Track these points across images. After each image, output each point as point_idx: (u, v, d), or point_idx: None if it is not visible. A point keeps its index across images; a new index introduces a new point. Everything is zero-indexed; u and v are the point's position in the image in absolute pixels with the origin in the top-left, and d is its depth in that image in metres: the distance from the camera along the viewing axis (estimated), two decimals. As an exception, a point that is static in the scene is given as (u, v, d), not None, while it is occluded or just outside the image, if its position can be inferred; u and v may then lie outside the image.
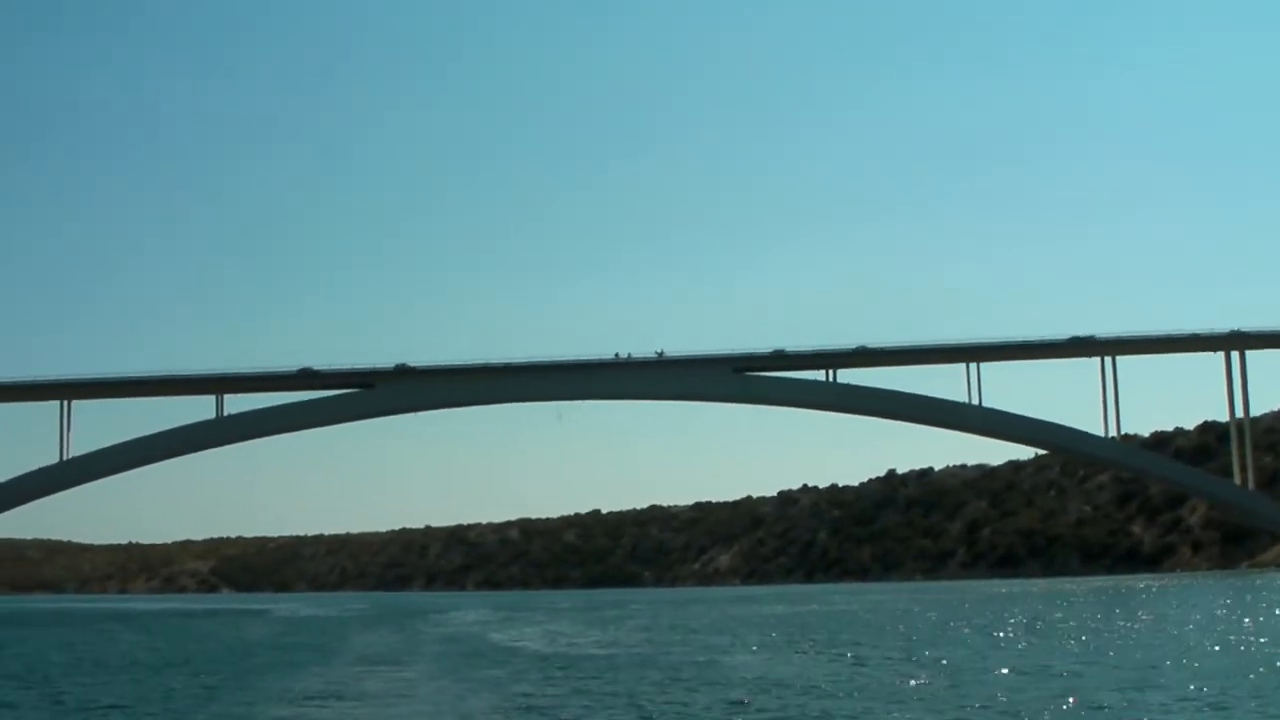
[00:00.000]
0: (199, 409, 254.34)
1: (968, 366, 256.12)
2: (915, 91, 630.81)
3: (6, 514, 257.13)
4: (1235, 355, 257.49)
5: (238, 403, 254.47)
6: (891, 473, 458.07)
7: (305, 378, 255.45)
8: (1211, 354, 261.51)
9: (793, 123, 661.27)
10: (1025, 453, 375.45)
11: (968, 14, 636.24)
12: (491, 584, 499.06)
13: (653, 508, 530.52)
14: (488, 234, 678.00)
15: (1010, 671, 66.44)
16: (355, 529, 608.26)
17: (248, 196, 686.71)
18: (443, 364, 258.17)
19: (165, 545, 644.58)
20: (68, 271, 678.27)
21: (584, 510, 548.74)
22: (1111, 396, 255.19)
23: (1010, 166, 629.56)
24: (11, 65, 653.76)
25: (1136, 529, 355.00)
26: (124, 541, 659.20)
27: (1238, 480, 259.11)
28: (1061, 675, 63.90)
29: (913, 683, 62.53)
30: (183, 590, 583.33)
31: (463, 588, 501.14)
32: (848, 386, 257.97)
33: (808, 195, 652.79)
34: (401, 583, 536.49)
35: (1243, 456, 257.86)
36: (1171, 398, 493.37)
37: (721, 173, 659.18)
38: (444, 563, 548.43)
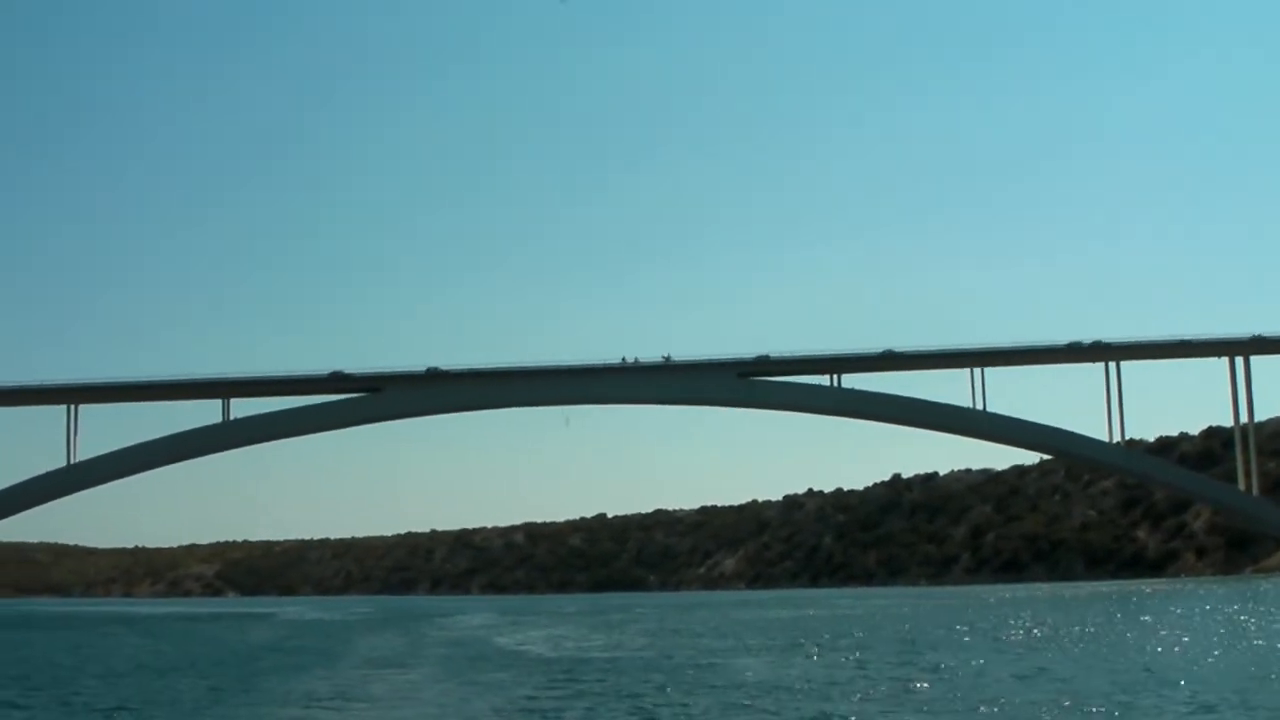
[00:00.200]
0: (205, 413, 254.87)
1: (972, 371, 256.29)
2: (920, 99, 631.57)
3: (13, 518, 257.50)
4: (1240, 361, 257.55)
5: (244, 407, 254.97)
6: (896, 477, 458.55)
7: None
8: (1216, 359, 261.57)
9: (797, 130, 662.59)
10: (1030, 457, 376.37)
11: (975, 22, 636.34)
12: (497, 588, 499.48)
13: (658, 512, 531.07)
14: (495, 239, 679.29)
15: (1008, 676, 66.93)
16: (360, 533, 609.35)
17: (255, 201, 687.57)
18: (450, 368, 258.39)
19: (170, 549, 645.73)
20: (74, 276, 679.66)
21: (589, 514, 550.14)
22: (1116, 402, 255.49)
23: (1015, 172, 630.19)
24: (20, 69, 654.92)
25: (1141, 534, 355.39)
26: (129, 545, 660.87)
27: (1242, 486, 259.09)
28: (1059, 679, 64.39)
29: (910, 686, 63.07)
30: (188, 594, 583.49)
31: (468, 592, 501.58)
32: (852, 391, 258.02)
33: (813, 202, 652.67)
34: (407, 586, 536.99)
35: (1247, 462, 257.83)
36: (1176, 403, 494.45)
37: (727, 180, 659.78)
38: (449, 567, 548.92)
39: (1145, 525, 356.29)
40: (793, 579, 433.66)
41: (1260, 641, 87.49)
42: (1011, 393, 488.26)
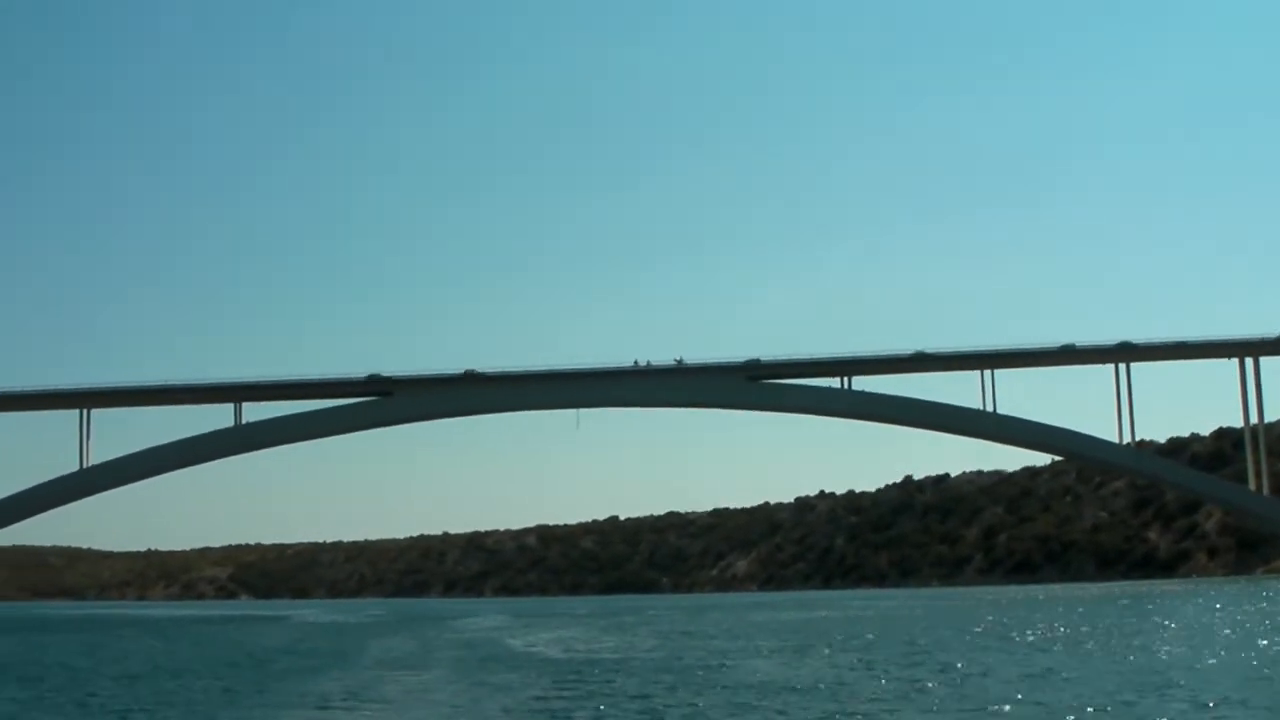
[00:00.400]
0: (217, 417, 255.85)
1: (982, 373, 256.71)
2: (929, 99, 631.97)
3: (27, 521, 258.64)
4: (1250, 362, 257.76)
5: (256, 411, 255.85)
6: (908, 479, 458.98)
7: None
8: (1226, 360, 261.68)
9: (807, 133, 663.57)
10: (1041, 459, 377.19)
11: (982, 23, 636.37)
12: (509, 590, 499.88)
13: (670, 514, 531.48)
14: (506, 243, 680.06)
15: (1014, 676, 67.44)
16: (373, 535, 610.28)
17: (267, 205, 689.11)
18: (461, 371, 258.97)
19: (184, 552, 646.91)
20: (86, 281, 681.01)
21: (602, 517, 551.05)
22: (1126, 403, 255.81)
23: (1024, 173, 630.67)
24: (31, 75, 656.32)
25: (1152, 535, 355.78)
26: (143, 548, 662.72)
27: (1252, 486, 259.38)
28: (1065, 680, 64.86)
29: (917, 686, 63.55)
30: (201, 597, 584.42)
31: (480, 594, 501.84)
32: (862, 394, 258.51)
33: (823, 204, 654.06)
34: (419, 589, 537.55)
35: (1257, 463, 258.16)
36: (1188, 404, 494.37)
37: (737, 183, 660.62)
38: (462, 569, 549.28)
39: (1156, 526, 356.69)
40: (805, 581, 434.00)
41: (1263, 641, 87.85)
42: (1021, 395, 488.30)
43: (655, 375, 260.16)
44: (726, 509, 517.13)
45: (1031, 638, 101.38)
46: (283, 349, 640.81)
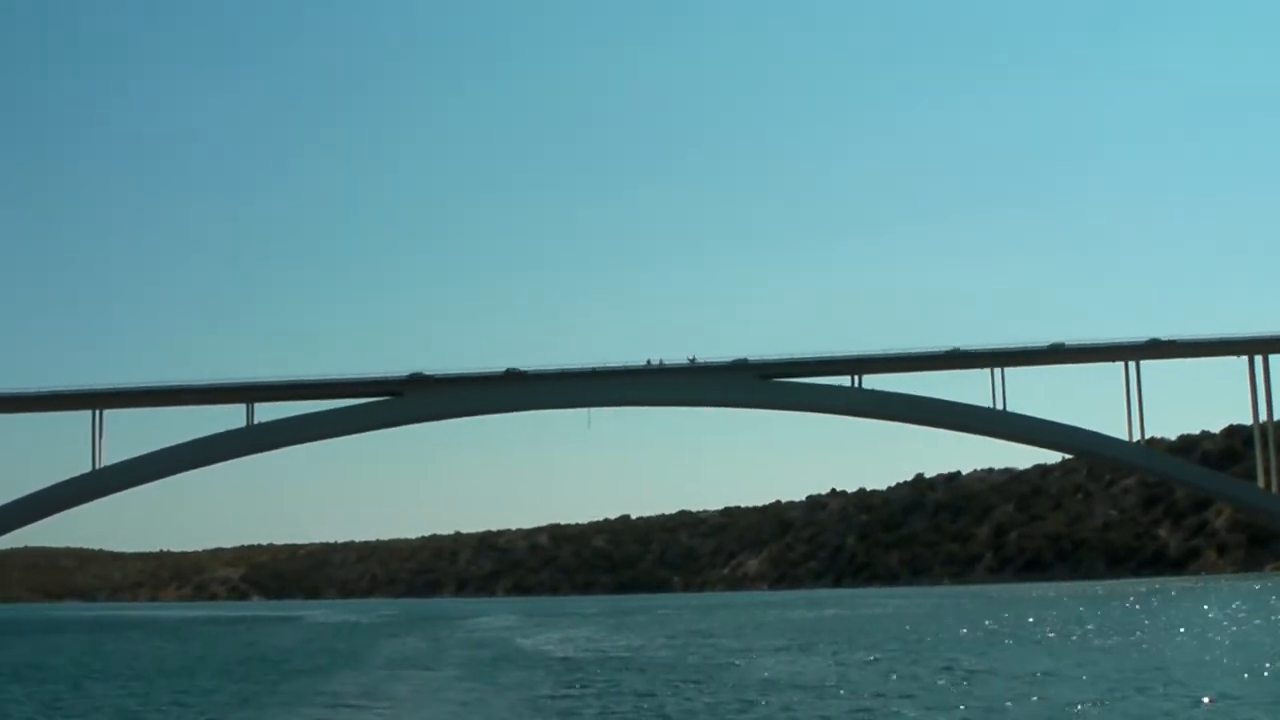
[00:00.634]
0: (229, 418, 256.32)
1: (992, 372, 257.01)
2: (942, 101, 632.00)
3: (40, 523, 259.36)
4: (1260, 360, 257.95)
5: (268, 411, 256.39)
6: (919, 477, 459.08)
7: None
8: (1236, 358, 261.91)
9: (818, 133, 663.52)
10: (1052, 457, 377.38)
11: (990, 23, 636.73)
12: (521, 590, 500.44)
13: (681, 513, 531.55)
14: (518, 243, 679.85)
15: (1016, 673, 68.02)
16: (385, 535, 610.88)
17: (277, 207, 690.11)
18: (472, 371, 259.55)
19: (196, 553, 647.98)
20: (99, 283, 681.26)
21: (613, 516, 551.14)
22: (1136, 401, 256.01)
23: (1034, 172, 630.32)
24: (40, 76, 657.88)
25: (1162, 532, 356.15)
26: (155, 549, 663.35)
27: (1261, 484, 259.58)
28: (1066, 677, 65.42)
29: (920, 683, 64.16)
30: (213, 597, 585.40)
31: (492, 594, 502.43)
32: (872, 392, 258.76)
33: (833, 204, 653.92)
34: (431, 589, 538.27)
35: (1267, 460, 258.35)
36: (1199, 401, 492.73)
37: (748, 184, 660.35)
38: (474, 569, 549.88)
39: (1167, 524, 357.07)
40: (816, 579, 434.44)
41: (1268, 638, 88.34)
42: (1032, 393, 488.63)
43: (666, 374, 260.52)
44: (737, 508, 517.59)
45: (1038, 635, 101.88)
46: (294, 350, 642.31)
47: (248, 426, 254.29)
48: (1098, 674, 66.52)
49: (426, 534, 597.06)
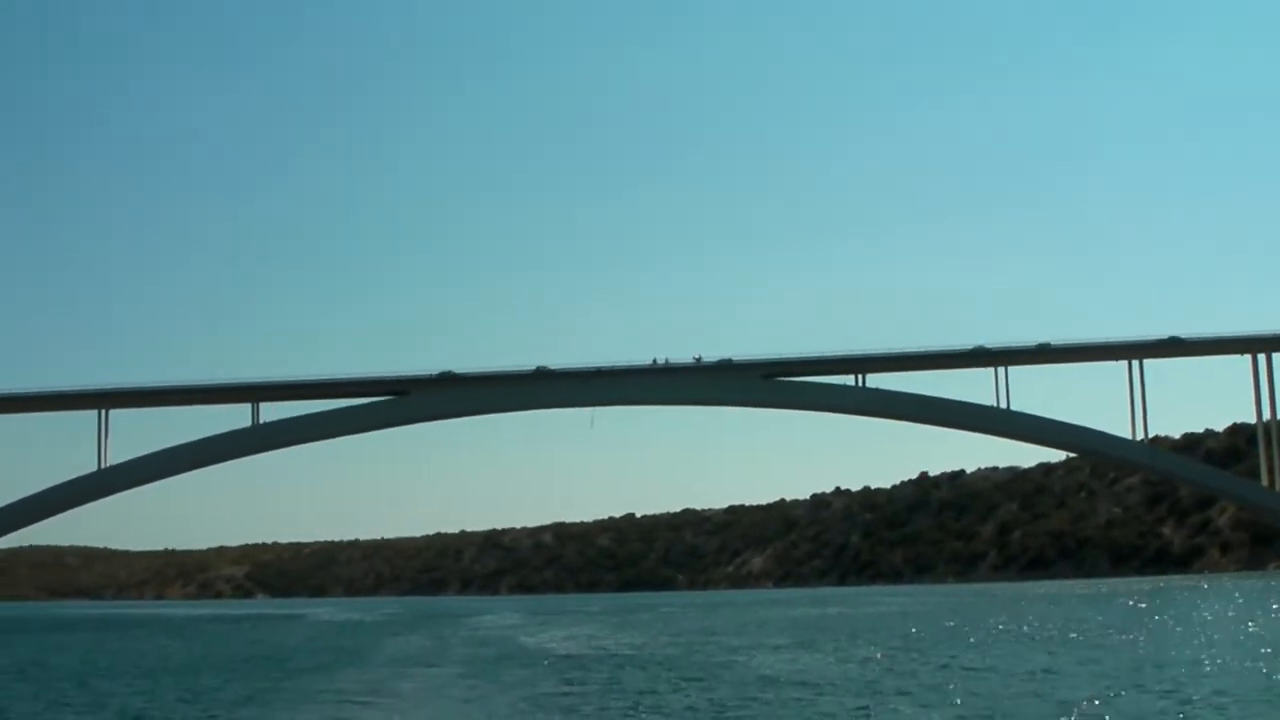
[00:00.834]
0: (235, 417, 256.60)
1: (996, 370, 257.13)
2: (945, 100, 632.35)
3: (46, 521, 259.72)
4: (1263, 358, 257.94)
5: (273, 411, 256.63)
6: (924, 475, 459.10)
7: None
8: (1239, 357, 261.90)
9: (823, 133, 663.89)
10: (1056, 455, 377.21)
11: (997, 23, 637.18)
12: (525, 588, 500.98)
13: (686, 511, 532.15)
14: (523, 243, 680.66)
15: (1013, 671, 68.59)
16: (390, 534, 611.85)
17: (282, 206, 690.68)
18: (477, 370, 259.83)
19: (201, 551, 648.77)
20: (104, 282, 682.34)
21: (618, 514, 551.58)
22: (1139, 400, 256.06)
23: (1038, 172, 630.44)
24: (42, 76, 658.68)
25: (1166, 531, 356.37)
26: (160, 548, 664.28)
27: (1265, 482, 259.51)
28: (1062, 674, 66.00)
29: (917, 680, 64.74)
30: (218, 596, 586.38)
31: (497, 592, 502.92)
32: (876, 391, 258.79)
33: (836, 203, 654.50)
34: (436, 587, 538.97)
35: (1270, 459, 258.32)
36: (1204, 399, 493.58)
37: (753, 185, 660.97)
38: (478, 567, 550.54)
39: (1170, 522, 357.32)
40: (821, 577, 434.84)
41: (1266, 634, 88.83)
42: (1035, 391, 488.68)
43: (670, 374, 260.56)
44: (742, 506, 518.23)
45: (1038, 633, 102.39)
46: (299, 349, 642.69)
47: (253, 426, 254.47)
48: (1096, 671, 67.07)
49: (431, 532, 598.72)
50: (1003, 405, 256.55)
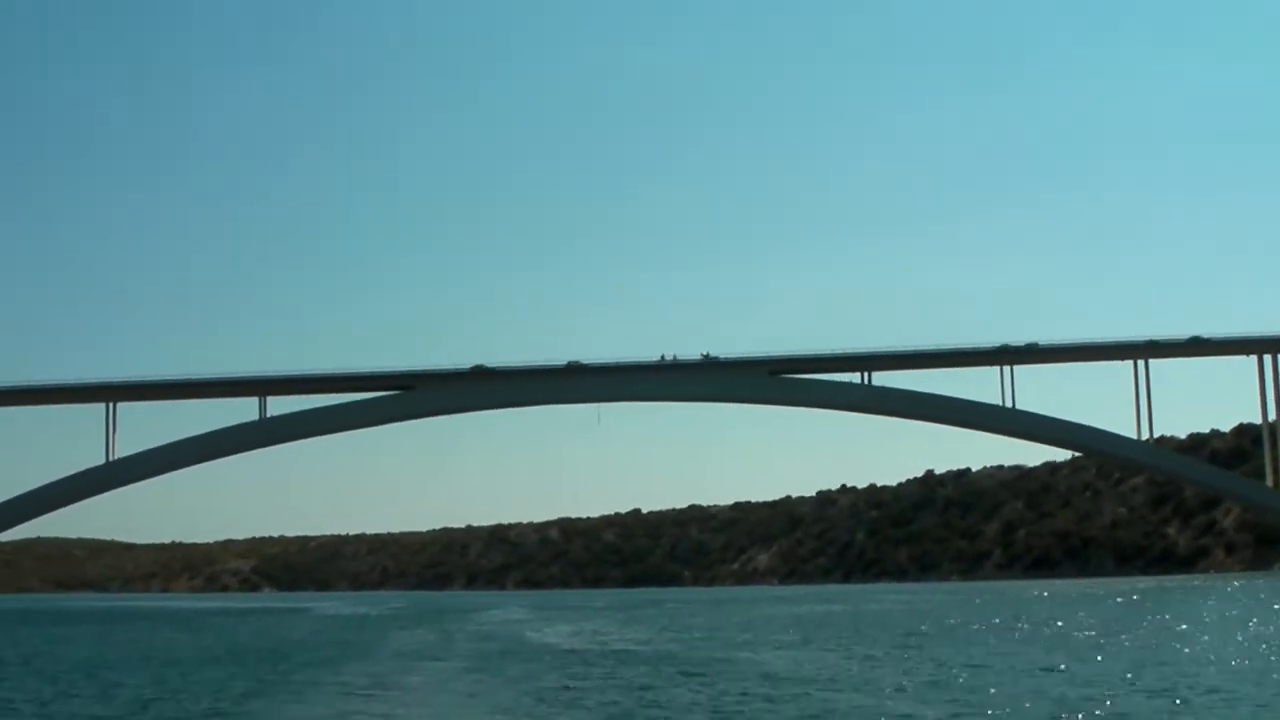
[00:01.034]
0: (243, 411, 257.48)
1: (1001, 369, 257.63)
2: (951, 102, 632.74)
3: (53, 514, 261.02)
4: (1269, 359, 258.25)
5: (280, 405, 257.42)
6: (929, 473, 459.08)
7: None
8: (1246, 357, 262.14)
9: (829, 133, 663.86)
10: (1061, 454, 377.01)
11: (1003, 24, 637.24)
12: (531, 583, 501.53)
13: (692, 508, 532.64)
14: (531, 239, 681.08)
15: (1008, 668, 69.20)
16: (396, 528, 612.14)
17: (291, 200, 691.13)
18: (484, 366, 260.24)
19: (208, 544, 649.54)
20: (113, 276, 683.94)
21: (624, 510, 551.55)
22: (1144, 399, 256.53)
23: (1044, 171, 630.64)
24: (52, 74, 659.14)
25: (1171, 531, 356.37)
26: (167, 541, 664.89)
27: (1270, 483, 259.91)
28: (1057, 673, 66.59)
29: (912, 677, 65.34)
30: (225, 589, 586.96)
31: (503, 587, 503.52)
32: (882, 389, 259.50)
33: (843, 202, 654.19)
34: (442, 582, 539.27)
35: (1275, 460, 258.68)
36: (1210, 399, 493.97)
37: (760, 183, 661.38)
38: (484, 562, 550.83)
39: (1175, 522, 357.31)
40: (826, 575, 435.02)
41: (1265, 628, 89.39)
42: (1041, 390, 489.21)
43: (676, 370, 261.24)
44: (748, 503, 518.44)
45: (1038, 632, 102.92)
46: (307, 344, 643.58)
47: (260, 420, 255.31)
48: (1094, 669, 67.65)
49: (437, 527, 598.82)
50: (1008, 404, 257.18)
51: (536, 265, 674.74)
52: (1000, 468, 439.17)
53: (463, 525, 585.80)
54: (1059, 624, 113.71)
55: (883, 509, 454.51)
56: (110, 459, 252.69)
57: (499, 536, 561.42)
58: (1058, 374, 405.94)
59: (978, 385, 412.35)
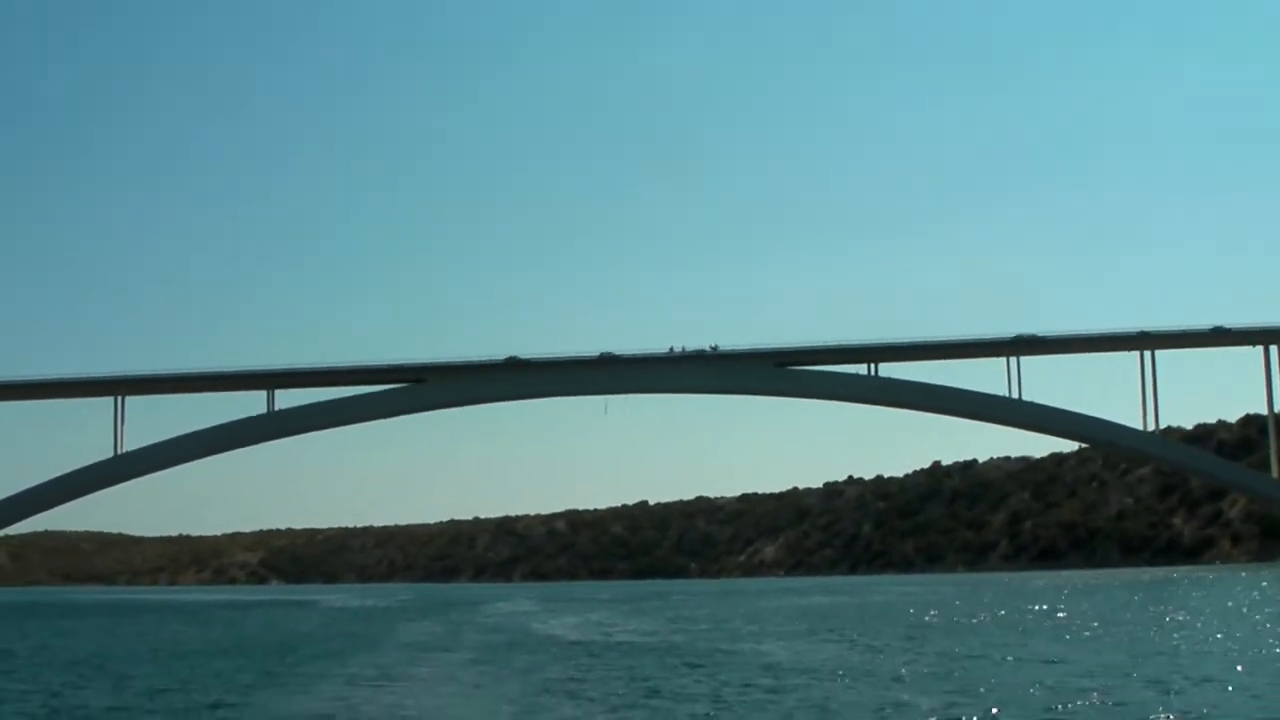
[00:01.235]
0: (250, 404, 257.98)
1: (1008, 360, 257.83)
2: (955, 98, 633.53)
3: (61, 507, 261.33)
4: (1275, 350, 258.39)
5: (289, 398, 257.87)
6: (936, 465, 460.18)
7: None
8: (1252, 348, 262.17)
9: (834, 127, 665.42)
10: (1068, 445, 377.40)
11: (1007, 21, 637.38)
12: (539, 576, 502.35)
13: (699, 499, 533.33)
14: (538, 233, 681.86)
15: (1008, 658, 69.80)
16: (404, 521, 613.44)
17: (299, 194, 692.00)
18: (492, 359, 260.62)
19: (215, 537, 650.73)
20: (121, 270, 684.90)
21: (631, 502, 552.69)
22: (1150, 390, 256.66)
23: (1047, 164, 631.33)
24: (61, 70, 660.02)
25: (1177, 521, 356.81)
26: (174, 534, 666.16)
27: (1276, 474, 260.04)
28: (1058, 662, 67.20)
29: (915, 667, 65.95)
30: (232, 582, 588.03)
31: (510, 579, 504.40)
32: (888, 380, 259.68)
33: (850, 198, 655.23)
34: (449, 574, 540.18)
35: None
36: (1217, 390, 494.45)
37: (766, 178, 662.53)
38: (492, 554, 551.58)
39: (1181, 512, 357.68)
40: (832, 566, 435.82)
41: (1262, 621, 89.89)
42: (1047, 381, 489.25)
43: (683, 362, 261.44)
44: (754, 495, 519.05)
45: (1043, 622, 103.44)
46: (315, 337, 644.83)
47: (268, 413, 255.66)
48: (1093, 659, 68.21)
49: (445, 519, 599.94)
50: (1014, 395, 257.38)
51: (545, 261, 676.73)
52: (1007, 459, 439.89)
53: (470, 517, 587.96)
54: (1065, 614, 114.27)
55: (889, 500, 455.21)
56: (118, 452, 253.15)
57: (506, 529, 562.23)
58: (1064, 365, 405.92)
59: (985, 377, 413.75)
